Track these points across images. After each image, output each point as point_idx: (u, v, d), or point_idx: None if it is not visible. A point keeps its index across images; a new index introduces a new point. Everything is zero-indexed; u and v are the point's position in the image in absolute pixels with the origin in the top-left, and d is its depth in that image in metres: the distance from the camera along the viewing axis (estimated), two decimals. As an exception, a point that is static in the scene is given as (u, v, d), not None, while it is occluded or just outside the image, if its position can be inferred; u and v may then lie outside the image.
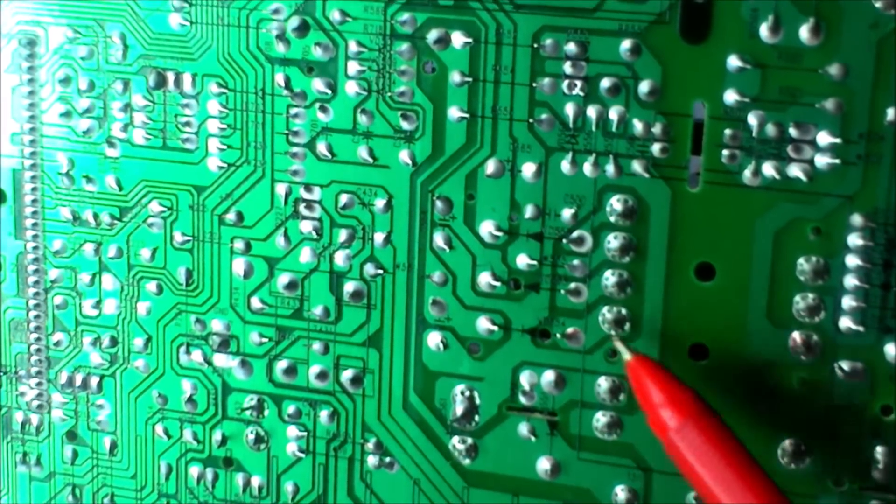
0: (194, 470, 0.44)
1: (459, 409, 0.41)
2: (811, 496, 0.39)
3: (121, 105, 0.42)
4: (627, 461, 0.40)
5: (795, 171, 0.37)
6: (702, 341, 0.39)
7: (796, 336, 0.38)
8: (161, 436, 0.44)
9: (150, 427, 0.44)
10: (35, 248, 0.44)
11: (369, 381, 0.42)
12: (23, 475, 0.46)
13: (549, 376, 0.40)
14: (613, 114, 0.38)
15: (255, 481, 0.44)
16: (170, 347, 0.44)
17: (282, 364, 0.43)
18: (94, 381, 0.44)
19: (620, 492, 0.40)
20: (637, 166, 0.38)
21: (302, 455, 0.43)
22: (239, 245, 0.42)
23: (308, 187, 0.41)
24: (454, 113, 0.40)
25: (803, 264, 0.38)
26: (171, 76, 0.42)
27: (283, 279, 0.42)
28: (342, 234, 0.41)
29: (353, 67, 0.40)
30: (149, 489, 0.45)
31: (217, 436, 0.44)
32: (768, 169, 0.37)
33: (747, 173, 0.37)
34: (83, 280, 0.44)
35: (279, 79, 0.41)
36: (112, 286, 0.44)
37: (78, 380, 0.45)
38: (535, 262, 0.40)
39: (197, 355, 0.43)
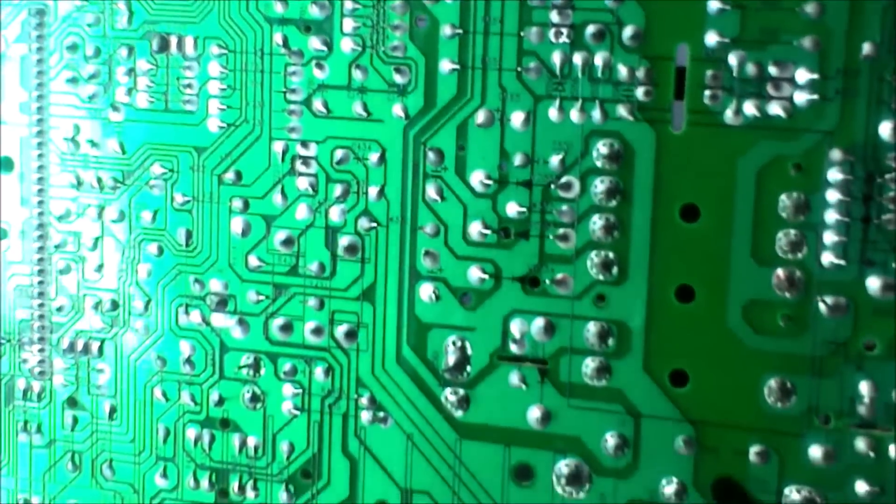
0: (191, 432, 0.45)
1: (451, 360, 0.42)
2: (798, 435, 0.39)
3: (125, 70, 0.44)
4: (617, 406, 0.41)
5: (776, 108, 0.38)
6: (688, 283, 0.39)
7: (780, 273, 0.38)
8: (159, 398, 0.45)
9: (149, 390, 0.45)
10: (40, 213, 0.45)
11: (363, 336, 0.43)
12: (23, 444, 0.46)
13: (538, 323, 0.41)
14: (599, 60, 0.39)
15: (251, 441, 0.44)
16: (169, 308, 0.44)
17: (278, 321, 0.43)
18: (94, 345, 0.45)
19: (610, 438, 0.41)
20: (622, 110, 0.39)
21: (297, 413, 0.43)
22: (237, 204, 0.43)
23: (305, 144, 0.42)
24: (445, 65, 0.41)
25: (785, 201, 0.38)
26: (173, 40, 0.43)
27: (279, 236, 0.43)
28: (337, 189, 0.42)
29: (349, 24, 0.41)
30: (147, 453, 0.45)
31: (214, 396, 0.44)
32: (749, 108, 0.38)
33: (729, 113, 0.38)
34: (86, 244, 0.45)
35: (277, 38, 0.42)
36: (114, 249, 0.45)
37: (79, 344, 0.45)
38: (524, 210, 0.40)
39: (196, 315, 0.44)
